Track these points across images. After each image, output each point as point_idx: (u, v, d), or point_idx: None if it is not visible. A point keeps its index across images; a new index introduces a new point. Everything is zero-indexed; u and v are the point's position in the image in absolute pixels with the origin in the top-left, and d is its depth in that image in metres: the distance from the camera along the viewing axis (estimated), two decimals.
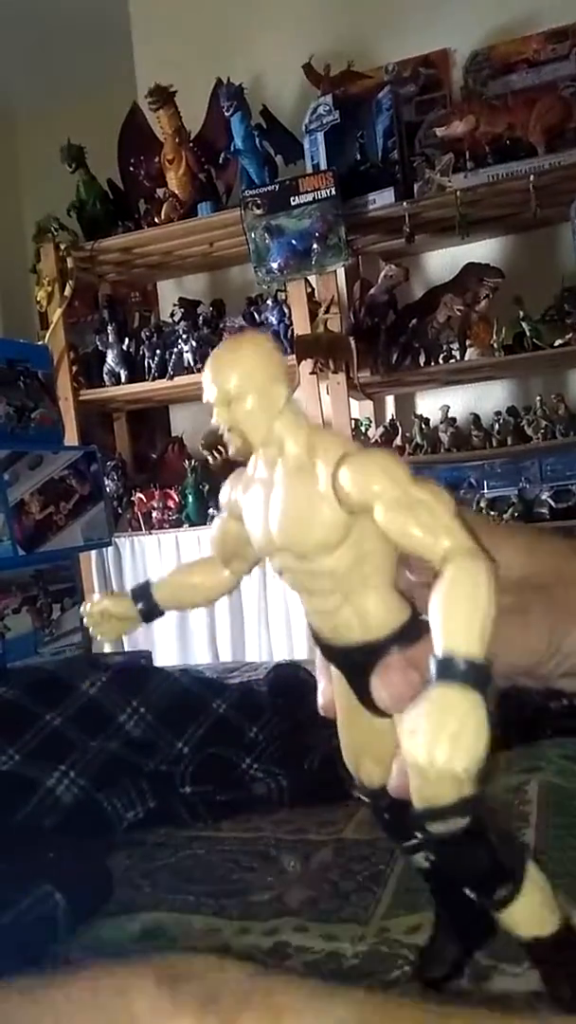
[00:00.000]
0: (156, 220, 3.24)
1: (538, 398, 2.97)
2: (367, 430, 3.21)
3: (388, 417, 3.32)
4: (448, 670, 0.51)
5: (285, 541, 0.77)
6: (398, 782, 0.64)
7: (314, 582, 0.78)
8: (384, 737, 0.81)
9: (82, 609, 0.88)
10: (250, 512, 0.81)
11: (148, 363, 3.27)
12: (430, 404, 3.24)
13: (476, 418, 3.03)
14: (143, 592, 0.88)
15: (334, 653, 0.81)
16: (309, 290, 3.01)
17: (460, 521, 0.70)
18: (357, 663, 0.79)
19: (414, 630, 0.77)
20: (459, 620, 0.58)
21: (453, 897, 0.86)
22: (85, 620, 0.88)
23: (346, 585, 0.76)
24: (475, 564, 0.67)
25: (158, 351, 3.25)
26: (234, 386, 0.76)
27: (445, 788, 0.57)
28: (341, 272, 3.06)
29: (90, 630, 0.89)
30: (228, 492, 0.85)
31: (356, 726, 0.83)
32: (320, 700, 0.74)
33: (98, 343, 3.38)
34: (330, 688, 0.76)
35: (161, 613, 0.89)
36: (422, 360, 2.96)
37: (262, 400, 0.76)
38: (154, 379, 3.26)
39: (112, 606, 0.87)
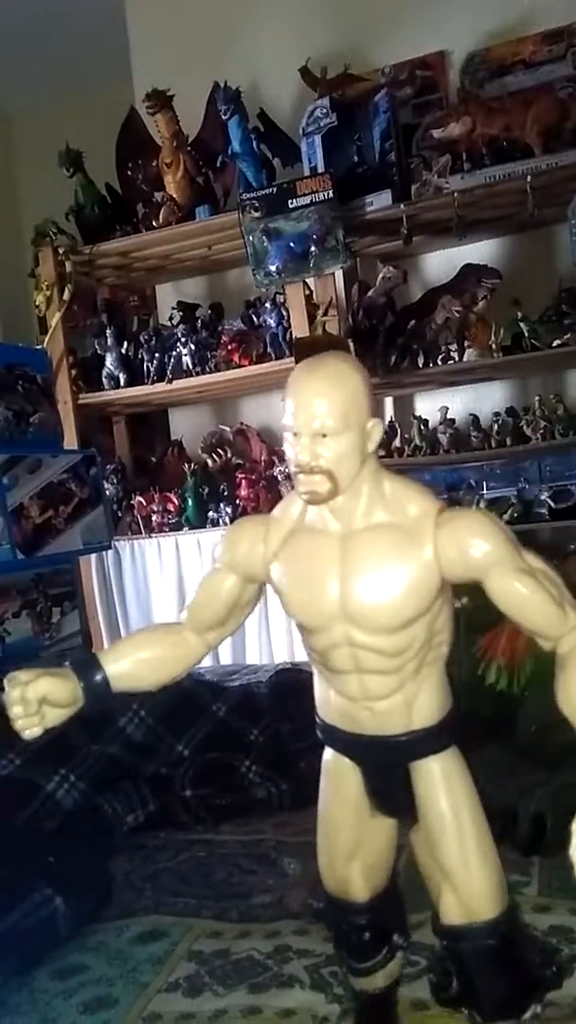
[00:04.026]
0: (154, 224, 3.23)
1: (537, 398, 2.97)
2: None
3: (387, 418, 3.32)
4: None
5: (368, 610, 0.67)
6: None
7: (378, 661, 0.69)
8: (379, 839, 0.74)
9: (8, 691, 0.71)
10: (303, 573, 0.69)
11: (147, 366, 3.26)
12: (429, 405, 3.23)
13: (475, 419, 3.03)
14: (88, 669, 0.74)
15: (360, 744, 0.72)
16: (307, 292, 3.01)
17: None
18: (385, 757, 0.71)
19: (452, 725, 0.71)
20: None
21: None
22: (12, 708, 0.72)
23: (410, 664, 0.69)
24: None
25: (157, 354, 3.25)
26: (337, 419, 0.65)
27: None
28: (339, 274, 3.06)
29: (15, 722, 0.73)
30: (249, 545, 0.71)
31: (349, 826, 0.75)
32: None
33: (97, 347, 3.38)
34: None
35: (109, 696, 0.75)
36: (420, 361, 2.96)
37: (359, 439, 0.66)
38: (153, 382, 3.25)
39: (53, 690, 0.72)
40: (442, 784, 0.72)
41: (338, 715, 0.74)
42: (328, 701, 0.75)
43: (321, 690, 0.74)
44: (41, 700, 0.72)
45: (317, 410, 0.66)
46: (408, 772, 0.74)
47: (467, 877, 0.68)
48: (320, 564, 0.70)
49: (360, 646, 0.70)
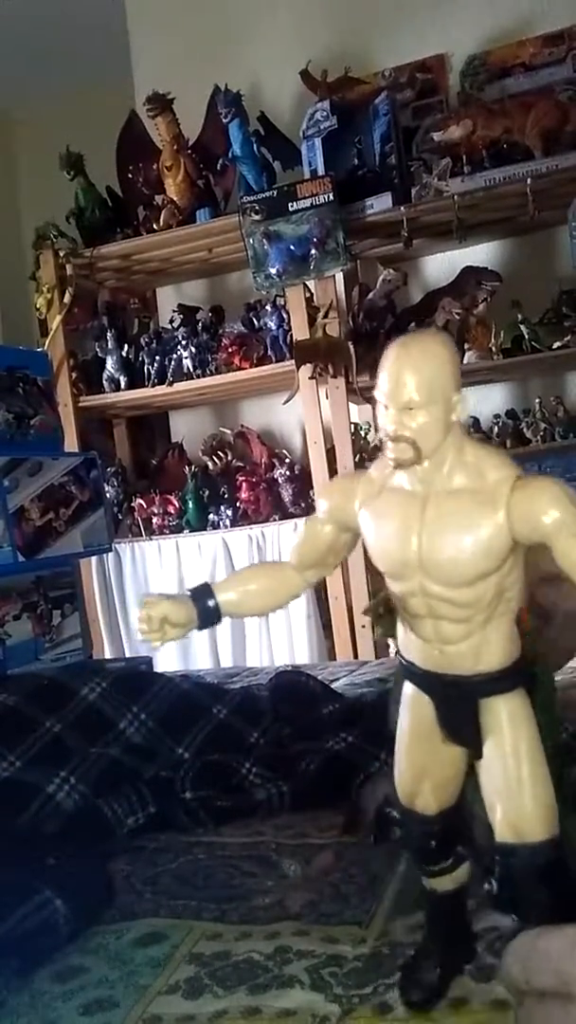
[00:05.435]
0: (155, 227, 3.24)
1: (537, 401, 2.97)
2: (367, 434, 3.21)
3: None
4: None
5: (442, 565, 0.72)
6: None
7: (449, 609, 0.74)
8: (448, 764, 0.82)
9: (143, 611, 0.83)
10: (386, 526, 0.76)
11: (148, 369, 3.27)
12: None
13: (475, 421, 3.03)
14: (203, 596, 0.84)
15: (433, 681, 0.78)
16: (308, 295, 3.02)
17: None
18: (457, 694, 0.78)
19: (517, 673, 0.77)
20: None
21: (451, 923, 0.87)
22: (140, 623, 0.82)
23: (480, 615, 0.74)
24: None
25: (157, 357, 3.25)
26: (423, 394, 0.71)
27: None
28: (340, 277, 3.07)
29: (139, 636, 0.84)
30: (343, 498, 0.80)
31: (421, 750, 0.81)
32: None
33: (97, 350, 3.38)
34: None
35: (219, 620, 0.85)
36: None
37: (444, 411, 0.73)
38: (154, 385, 3.26)
39: (173, 612, 0.82)
40: (505, 717, 0.80)
41: (416, 653, 0.81)
42: (408, 641, 0.82)
43: (403, 631, 0.83)
44: (162, 619, 0.83)
45: (405, 384, 0.73)
46: (476, 709, 0.80)
47: (520, 800, 0.76)
48: (402, 520, 0.76)
49: (433, 596, 0.76)
